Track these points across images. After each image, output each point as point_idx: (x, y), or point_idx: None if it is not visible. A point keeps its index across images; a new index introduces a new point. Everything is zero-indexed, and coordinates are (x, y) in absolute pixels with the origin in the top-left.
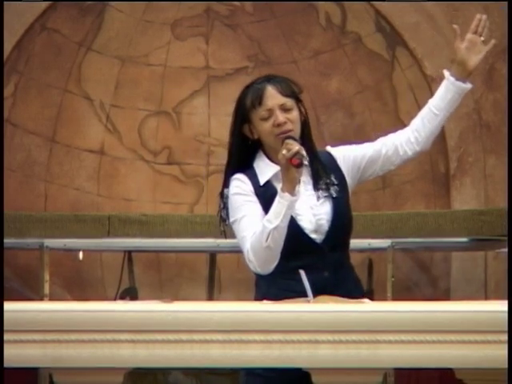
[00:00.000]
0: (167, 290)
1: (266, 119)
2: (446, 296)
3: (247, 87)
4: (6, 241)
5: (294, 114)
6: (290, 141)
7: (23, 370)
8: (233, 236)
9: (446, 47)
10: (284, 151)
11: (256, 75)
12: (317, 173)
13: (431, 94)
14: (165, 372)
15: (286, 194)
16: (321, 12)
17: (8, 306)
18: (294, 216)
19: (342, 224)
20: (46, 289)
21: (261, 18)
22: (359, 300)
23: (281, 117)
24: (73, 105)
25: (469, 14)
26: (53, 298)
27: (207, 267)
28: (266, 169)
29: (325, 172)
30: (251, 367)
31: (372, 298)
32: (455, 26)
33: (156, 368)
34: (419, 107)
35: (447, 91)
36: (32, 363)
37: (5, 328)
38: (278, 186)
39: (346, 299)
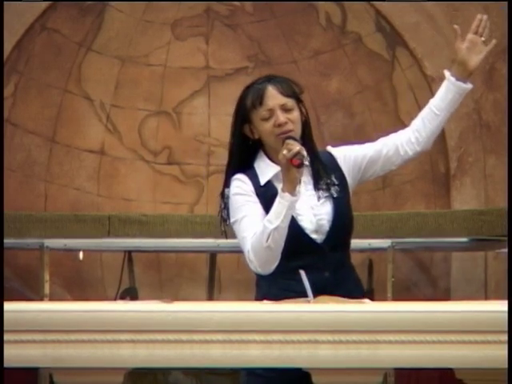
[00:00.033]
0: (167, 290)
1: (266, 119)
2: (446, 296)
3: (248, 87)
4: (6, 241)
5: (295, 115)
6: (290, 141)
7: (23, 370)
8: (233, 236)
9: (446, 47)
10: (285, 151)
11: (256, 75)
12: (317, 173)
13: (431, 94)
14: (165, 372)
15: (287, 195)
16: (321, 12)
17: (8, 306)
18: (294, 216)
19: (342, 224)
20: (46, 289)
21: (261, 18)
22: (359, 300)
23: (281, 117)
24: (73, 105)
25: (469, 13)
26: (53, 298)
27: (207, 267)
28: (266, 169)
29: (325, 172)
30: (251, 367)
31: (372, 298)
32: (456, 26)
33: (156, 368)
34: (419, 107)
35: (448, 91)
36: (32, 363)
37: (5, 328)
38: (279, 186)
39: (346, 299)
